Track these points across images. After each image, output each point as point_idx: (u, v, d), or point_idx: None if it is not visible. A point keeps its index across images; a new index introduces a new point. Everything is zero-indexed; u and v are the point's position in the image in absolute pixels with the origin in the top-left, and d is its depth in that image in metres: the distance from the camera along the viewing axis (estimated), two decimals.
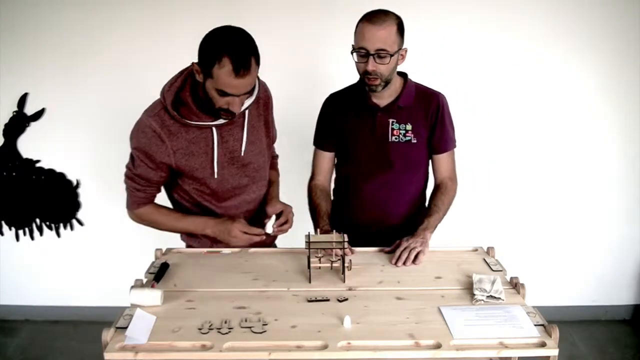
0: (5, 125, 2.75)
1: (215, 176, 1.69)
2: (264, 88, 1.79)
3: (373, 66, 1.68)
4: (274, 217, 1.81)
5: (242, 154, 1.72)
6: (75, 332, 2.88)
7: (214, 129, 1.64)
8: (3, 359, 2.69)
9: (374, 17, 1.66)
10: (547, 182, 2.84)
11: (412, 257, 1.63)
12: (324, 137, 1.95)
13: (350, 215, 1.94)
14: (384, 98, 1.82)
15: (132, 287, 1.43)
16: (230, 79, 1.45)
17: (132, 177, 1.67)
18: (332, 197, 2.01)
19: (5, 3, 2.62)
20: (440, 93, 1.88)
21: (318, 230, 1.84)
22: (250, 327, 1.28)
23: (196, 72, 1.52)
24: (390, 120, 1.83)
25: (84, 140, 2.79)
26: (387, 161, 1.85)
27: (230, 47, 1.43)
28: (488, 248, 1.74)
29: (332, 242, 1.57)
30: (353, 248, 1.72)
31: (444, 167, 1.91)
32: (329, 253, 1.60)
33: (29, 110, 2.74)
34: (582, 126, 2.77)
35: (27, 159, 2.79)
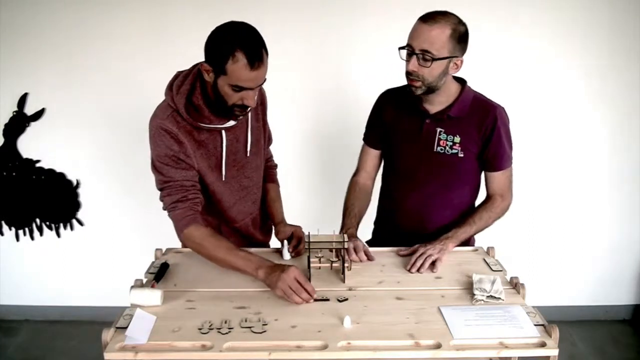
0: (5, 125, 2.75)
1: (223, 179, 1.67)
2: (260, 91, 1.77)
3: (413, 66, 1.59)
4: (286, 242, 1.73)
5: (248, 155, 1.71)
6: (75, 332, 2.88)
7: (223, 131, 1.62)
8: (3, 359, 2.69)
9: (428, 16, 1.58)
10: (546, 182, 2.84)
11: (427, 264, 1.59)
12: (371, 134, 1.88)
13: (391, 221, 1.89)
14: (434, 104, 1.71)
15: (132, 287, 1.43)
16: (246, 72, 1.43)
17: (167, 191, 1.57)
18: (378, 205, 1.96)
19: (5, 3, 2.62)
20: (499, 106, 1.73)
21: (343, 229, 1.77)
22: (250, 327, 1.28)
23: (205, 72, 1.50)
24: (438, 129, 1.71)
25: (84, 140, 2.79)
26: (429, 171, 1.75)
27: (241, 41, 1.42)
28: (488, 248, 1.74)
29: (332, 242, 1.56)
30: (371, 253, 1.68)
31: (496, 184, 1.78)
32: (348, 258, 1.58)
33: (29, 110, 2.74)
34: (582, 126, 2.77)
35: (27, 159, 2.79)
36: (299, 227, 1.78)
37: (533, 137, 2.77)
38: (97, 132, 2.78)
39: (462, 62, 1.65)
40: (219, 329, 1.27)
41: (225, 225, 1.77)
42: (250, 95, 1.50)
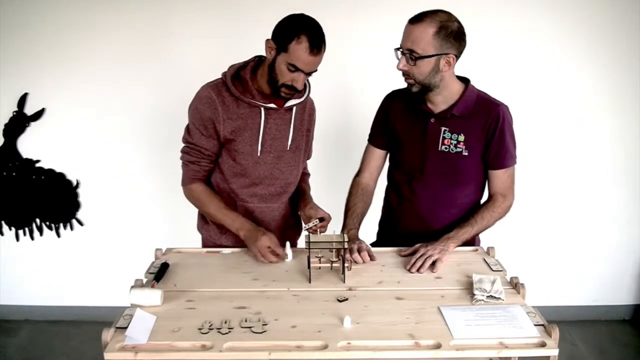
0: (5, 125, 2.75)
1: (259, 154, 1.76)
2: (311, 102, 1.91)
3: (402, 66, 1.63)
4: (288, 244, 1.75)
5: (288, 148, 1.80)
6: (75, 332, 2.88)
7: (262, 109, 1.73)
8: (3, 359, 2.69)
9: (416, 16, 1.62)
10: (547, 182, 2.84)
11: (427, 264, 1.59)
12: (376, 133, 1.90)
13: (396, 222, 1.89)
14: (437, 104, 1.73)
15: (132, 287, 1.43)
16: (306, 54, 1.60)
17: (187, 149, 1.78)
18: (383, 205, 1.97)
19: (5, 3, 2.62)
20: (502, 104, 1.74)
21: (345, 230, 1.78)
22: (250, 327, 1.28)
23: (269, 48, 1.65)
24: (443, 129, 1.73)
25: (84, 140, 2.79)
26: (434, 170, 1.76)
27: (309, 28, 1.60)
28: (488, 248, 1.74)
29: (332, 242, 1.56)
30: (373, 254, 1.69)
31: (498, 183, 1.78)
32: (349, 259, 1.60)
33: (29, 110, 2.74)
34: (582, 126, 2.77)
35: (27, 159, 2.79)
36: (330, 216, 1.77)
37: (533, 137, 2.77)
38: (97, 132, 2.78)
39: (454, 59, 1.64)
40: (219, 329, 1.27)
41: (243, 204, 1.83)
42: (301, 78, 1.66)
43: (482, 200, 1.86)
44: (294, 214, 1.95)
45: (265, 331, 1.26)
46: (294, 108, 1.80)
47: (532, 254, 2.89)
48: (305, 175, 2.02)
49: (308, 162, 2.05)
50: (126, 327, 1.23)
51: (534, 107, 2.73)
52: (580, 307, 2.99)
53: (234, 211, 1.80)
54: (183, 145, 1.80)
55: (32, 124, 2.75)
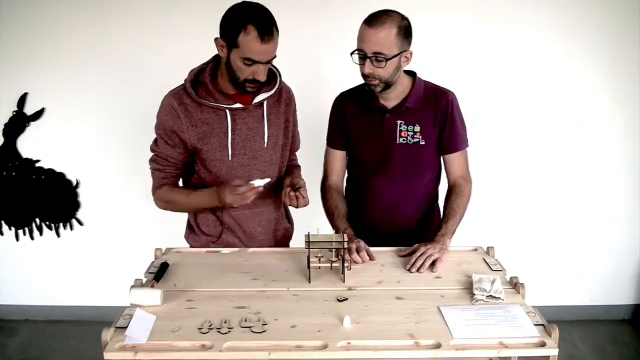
0: (5, 125, 2.75)
1: (230, 158, 1.71)
2: (287, 89, 1.85)
3: (370, 69, 1.66)
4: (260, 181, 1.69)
5: (265, 146, 1.75)
6: (75, 332, 2.88)
7: (227, 112, 1.68)
8: (3, 359, 2.69)
9: (373, 20, 1.64)
10: (547, 182, 2.84)
11: (427, 264, 1.60)
12: (335, 136, 1.92)
13: (361, 216, 1.91)
14: (391, 100, 1.79)
15: (132, 287, 1.43)
16: (257, 45, 1.53)
17: (154, 158, 1.76)
18: (345, 198, 1.96)
19: (5, 3, 2.62)
20: (450, 91, 1.84)
21: (341, 232, 1.77)
22: (250, 327, 1.28)
23: (220, 47, 1.60)
24: (399, 122, 1.79)
25: (84, 140, 2.79)
26: (394, 163, 1.82)
27: (254, 16, 1.53)
28: (488, 248, 1.74)
29: (332, 242, 1.56)
30: (372, 254, 1.69)
31: (456, 167, 1.86)
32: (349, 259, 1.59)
33: (29, 110, 2.74)
34: (582, 126, 2.77)
35: (27, 159, 2.79)
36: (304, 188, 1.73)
37: (533, 136, 2.77)
38: (97, 132, 2.78)
39: (411, 54, 1.72)
40: (219, 329, 1.27)
41: (229, 211, 1.79)
42: (262, 70, 1.59)
43: (439, 189, 1.93)
44: (282, 219, 1.92)
45: (265, 331, 1.26)
46: (265, 103, 1.74)
47: (532, 254, 2.89)
48: (294, 168, 1.95)
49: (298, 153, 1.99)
50: (126, 327, 1.23)
51: (533, 107, 2.73)
52: (580, 307, 2.99)
53: (198, 190, 1.74)
54: (151, 153, 1.77)
55: (32, 124, 2.76)
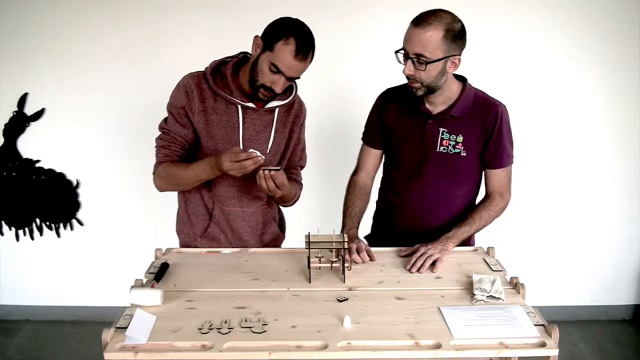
0: (5, 125, 2.75)
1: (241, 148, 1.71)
2: (299, 102, 1.85)
3: (410, 70, 1.60)
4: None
5: (268, 152, 1.75)
6: (75, 332, 2.88)
7: (239, 107, 1.70)
8: (3, 359, 2.69)
9: (420, 19, 1.57)
10: (547, 182, 2.84)
11: (427, 264, 1.59)
12: (372, 134, 1.88)
13: (392, 221, 1.88)
14: (436, 105, 1.72)
15: (132, 287, 1.43)
16: (289, 57, 1.57)
17: (161, 135, 1.75)
18: (377, 199, 1.95)
19: (5, 3, 2.62)
20: (501, 104, 1.74)
21: (344, 230, 1.77)
22: (250, 327, 1.27)
23: (256, 45, 1.63)
24: (441, 130, 1.72)
25: (84, 140, 2.79)
26: (432, 171, 1.76)
27: (300, 33, 1.58)
28: (488, 248, 1.74)
29: (332, 242, 1.56)
30: (372, 254, 1.68)
31: (496, 181, 1.78)
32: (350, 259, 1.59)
33: (29, 110, 2.74)
34: (582, 126, 2.77)
35: (27, 159, 2.80)
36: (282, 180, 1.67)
37: (533, 137, 2.77)
38: (97, 132, 2.78)
39: (459, 60, 1.64)
40: (219, 329, 1.27)
41: (220, 206, 1.79)
42: (281, 82, 1.62)
43: (478, 198, 1.86)
44: (272, 224, 1.90)
45: (265, 331, 1.26)
46: (277, 110, 1.75)
47: (532, 254, 2.89)
48: (295, 182, 1.89)
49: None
50: (126, 327, 1.23)
51: (533, 107, 2.73)
52: (580, 307, 2.99)
53: (196, 162, 1.70)
54: (159, 129, 1.76)
55: (32, 124, 2.76)
